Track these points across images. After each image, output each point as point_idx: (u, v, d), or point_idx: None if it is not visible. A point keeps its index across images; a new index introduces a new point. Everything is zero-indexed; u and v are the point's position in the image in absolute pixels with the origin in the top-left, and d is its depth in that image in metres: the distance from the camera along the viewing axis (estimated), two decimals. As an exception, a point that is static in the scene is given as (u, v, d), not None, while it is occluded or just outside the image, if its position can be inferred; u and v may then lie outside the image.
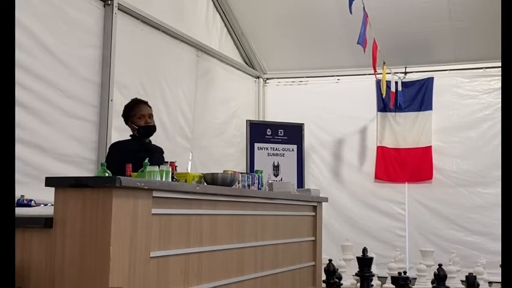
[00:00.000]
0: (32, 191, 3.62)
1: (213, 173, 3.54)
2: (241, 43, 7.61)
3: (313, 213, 4.81)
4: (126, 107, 4.12)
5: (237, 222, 3.48)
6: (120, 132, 5.13)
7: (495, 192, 6.74)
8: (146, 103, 4.09)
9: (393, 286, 5.79)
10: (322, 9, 6.94)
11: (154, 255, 2.62)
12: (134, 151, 3.78)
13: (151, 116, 4.04)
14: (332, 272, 5.82)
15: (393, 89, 7.25)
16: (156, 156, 4.00)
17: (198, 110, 6.51)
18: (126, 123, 4.10)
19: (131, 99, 4.18)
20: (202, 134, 6.58)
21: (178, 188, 2.89)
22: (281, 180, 6.87)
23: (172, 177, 3.35)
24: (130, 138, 4.09)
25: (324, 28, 7.18)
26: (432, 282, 5.73)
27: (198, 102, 6.51)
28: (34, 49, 4.28)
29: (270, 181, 4.83)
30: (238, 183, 3.93)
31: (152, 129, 4.05)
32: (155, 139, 4.20)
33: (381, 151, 7.41)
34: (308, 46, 7.52)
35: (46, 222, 2.42)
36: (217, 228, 3.23)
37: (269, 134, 7.29)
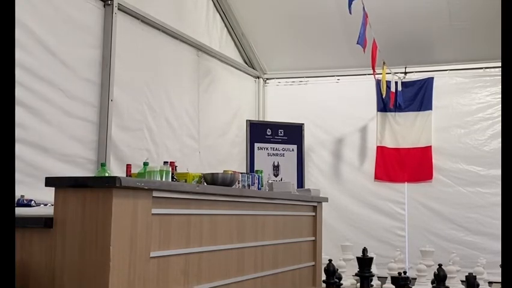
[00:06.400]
0: (32, 191, 3.63)
1: (213, 173, 3.54)
2: (241, 43, 7.61)
3: (313, 213, 4.81)
4: None
5: (236, 222, 3.48)
6: (121, 132, 5.15)
7: (495, 192, 6.73)
8: None
9: (393, 286, 5.78)
10: (322, 10, 6.94)
11: (154, 255, 2.62)
12: None
13: None
14: (331, 272, 5.81)
15: (393, 89, 7.25)
16: None
17: (202, 110, 6.51)
18: None
19: None
20: (207, 134, 6.59)
21: (178, 188, 2.89)
22: (281, 180, 6.86)
23: (172, 177, 3.36)
24: None
25: (324, 28, 7.18)
26: (432, 282, 5.72)
27: (201, 103, 6.51)
28: (34, 49, 4.28)
29: (270, 181, 4.83)
30: (238, 183, 3.94)
31: None
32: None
33: (381, 151, 7.41)
34: (308, 46, 7.52)
35: (46, 222, 2.42)
36: (217, 228, 3.23)
37: (269, 134, 7.29)
